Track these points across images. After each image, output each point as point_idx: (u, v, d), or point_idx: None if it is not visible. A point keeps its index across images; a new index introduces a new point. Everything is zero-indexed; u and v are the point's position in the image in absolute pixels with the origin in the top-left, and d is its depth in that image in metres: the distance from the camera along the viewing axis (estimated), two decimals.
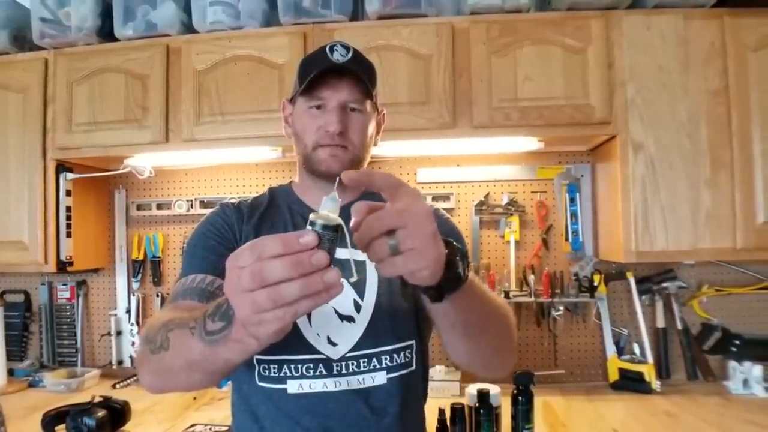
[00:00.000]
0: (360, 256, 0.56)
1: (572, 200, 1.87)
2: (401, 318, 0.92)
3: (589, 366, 1.89)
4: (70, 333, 2.08)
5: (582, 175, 1.91)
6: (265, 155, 1.82)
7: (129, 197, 2.09)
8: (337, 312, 0.90)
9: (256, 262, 0.47)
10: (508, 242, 1.91)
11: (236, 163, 1.99)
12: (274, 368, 0.89)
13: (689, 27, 1.58)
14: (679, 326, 1.82)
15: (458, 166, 1.96)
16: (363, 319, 0.90)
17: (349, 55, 0.91)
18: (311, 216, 0.50)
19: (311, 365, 0.88)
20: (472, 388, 1.40)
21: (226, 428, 1.46)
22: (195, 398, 1.74)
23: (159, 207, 2.06)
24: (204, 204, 2.03)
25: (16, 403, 1.71)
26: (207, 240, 0.92)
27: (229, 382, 1.48)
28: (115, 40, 1.79)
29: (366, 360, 0.90)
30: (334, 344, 0.89)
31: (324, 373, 0.88)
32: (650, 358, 1.75)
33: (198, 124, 1.69)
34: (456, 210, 1.95)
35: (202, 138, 1.69)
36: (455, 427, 1.36)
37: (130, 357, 2.04)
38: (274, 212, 0.99)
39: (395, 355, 0.91)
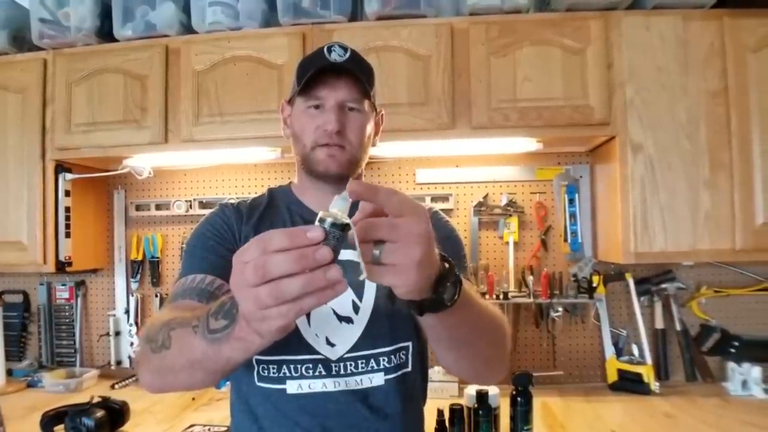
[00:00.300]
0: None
1: (571, 201, 1.87)
2: (399, 320, 0.92)
3: (587, 367, 1.89)
4: (68, 333, 2.08)
5: (581, 176, 1.91)
6: (264, 156, 1.82)
7: (128, 198, 2.09)
8: (335, 313, 0.90)
9: (260, 255, 0.48)
10: (507, 243, 1.91)
11: (235, 163, 2.00)
12: (274, 368, 0.89)
13: (688, 28, 1.58)
14: (678, 327, 1.82)
15: (457, 167, 1.96)
16: (361, 321, 0.90)
17: (347, 55, 0.91)
18: (321, 213, 0.51)
19: (310, 365, 0.88)
20: (471, 389, 1.40)
21: (225, 428, 1.46)
22: (194, 399, 1.74)
23: (158, 207, 2.06)
24: (203, 204, 2.03)
25: (15, 403, 1.71)
26: (206, 240, 0.92)
27: (228, 383, 1.49)
28: (114, 40, 1.79)
29: (364, 361, 0.90)
30: (332, 345, 0.89)
31: (323, 373, 0.88)
32: (649, 359, 1.75)
33: (197, 124, 1.69)
34: (455, 211, 1.95)
35: (201, 138, 1.69)
36: (454, 427, 1.36)
37: (129, 357, 2.04)
38: (273, 213, 0.99)
39: (392, 357, 0.91)
